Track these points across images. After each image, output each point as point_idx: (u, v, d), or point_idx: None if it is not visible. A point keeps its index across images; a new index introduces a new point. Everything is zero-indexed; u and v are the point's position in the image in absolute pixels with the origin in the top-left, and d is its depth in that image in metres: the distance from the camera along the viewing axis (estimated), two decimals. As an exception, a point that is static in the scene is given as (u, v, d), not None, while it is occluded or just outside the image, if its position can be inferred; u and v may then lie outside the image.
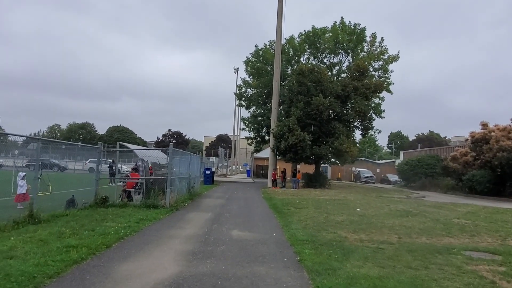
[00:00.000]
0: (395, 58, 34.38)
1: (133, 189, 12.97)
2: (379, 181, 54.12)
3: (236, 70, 51.78)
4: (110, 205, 11.47)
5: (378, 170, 61.70)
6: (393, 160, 74.33)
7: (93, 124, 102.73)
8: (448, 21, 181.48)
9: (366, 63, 26.84)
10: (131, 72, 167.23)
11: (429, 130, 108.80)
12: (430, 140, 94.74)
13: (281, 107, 28.98)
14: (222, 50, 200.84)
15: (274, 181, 26.78)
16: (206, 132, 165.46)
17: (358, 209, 13.50)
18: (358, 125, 27.20)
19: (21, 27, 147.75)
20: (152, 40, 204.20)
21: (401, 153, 65.79)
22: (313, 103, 24.81)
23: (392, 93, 34.69)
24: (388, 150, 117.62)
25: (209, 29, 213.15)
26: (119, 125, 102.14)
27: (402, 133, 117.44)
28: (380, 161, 74.50)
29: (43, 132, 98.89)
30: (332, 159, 26.63)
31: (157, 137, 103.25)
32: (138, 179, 12.88)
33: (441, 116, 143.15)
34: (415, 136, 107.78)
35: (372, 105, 30.45)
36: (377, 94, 27.03)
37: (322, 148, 24.85)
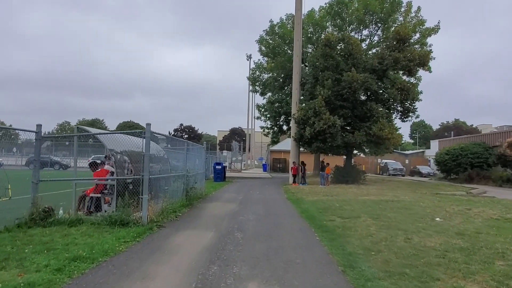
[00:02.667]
0: (434, 30, 29.20)
1: (100, 195, 8.73)
2: (408, 173, 49.30)
3: (249, 57, 47.35)
4: (54, 221, 7.27)
5: (406, 162, 56.55)
6: (422, 150, 68.57)
7: (103, 120, 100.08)
8: (462, 7, 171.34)
9: (407, 29, 21.81)
10: (142, 69, 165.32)
11: (455, 118, 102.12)
12: (458, 128, 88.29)
13: (302, 91, 24.37)
14: (230, 43, 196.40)
15: (295, 177, 22.30)
16: (220, 126, 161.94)
17: (438, 219, 8.92)
18: (397, 106, 22.26)
19: (33, 28, 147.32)
20: (160, 36, 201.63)
21: (432, 142, 60.10)
22: (344, 80, 20.09)
23: (431, 71, 29.53)
24: (410, 140, 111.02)
25: (216, 22, 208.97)
26: (129, 120, 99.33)
27: (425, 122, 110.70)
28: (408, 152, 68.93)
29: (54, 129, 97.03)
30: (367, 148, 21.84)
31: (168, 132, 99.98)
32: (106, 179, 8.63)
33: (459, 104, 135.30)
34: (440, 125, 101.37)
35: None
36: (422, 68, 22.06)
37: (356, 134, 20.14)
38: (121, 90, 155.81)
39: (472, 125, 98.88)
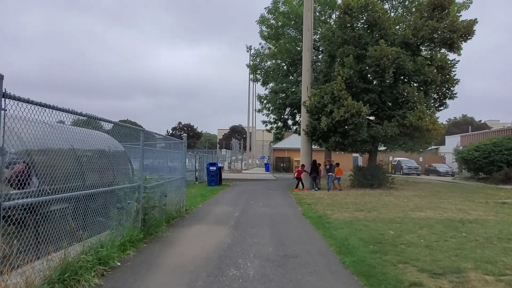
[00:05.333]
0: (464, 6, 24.68)
1: None
2: (423, 172, 45.37)
3: (249, 48, 43.01)
4: None
5: (420, 159, 52.32)
6: (435, 146, 63.99)
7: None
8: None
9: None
10: (140, 69, 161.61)
11: (462, 114, 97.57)
12: (469, 124, 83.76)
13: (315, 73, 19.93)
14: (228, 41, 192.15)
15: (299, 181, 17.82)
16: (220, 125, 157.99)
17: None
18: (434, 90, 17.71)
19: (30, 30, 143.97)
20: (157, 35, 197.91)
21: (448, 138, 55.59)
22: (370, 56, 15.63)
23: (460, 54, 24.99)
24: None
25: (212, 20, 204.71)
26: (126, 119, 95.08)
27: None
28: (421, 149, 64.30)
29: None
30: (401, 143, 17.18)
31: (167, 130, 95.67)
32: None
33: (460, 99, 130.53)
34: (447, 120, 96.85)
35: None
36: (465, 41, 17.58)
37: (385, 126, 15.67)
38: (120, 90, 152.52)
39: (481, 120, 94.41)
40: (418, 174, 42.79)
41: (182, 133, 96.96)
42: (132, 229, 6.04)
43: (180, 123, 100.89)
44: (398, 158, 48.18)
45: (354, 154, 53.41)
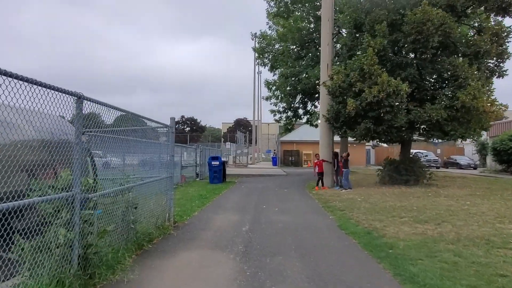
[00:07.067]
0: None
1: None
2: (442, 165, 42.42)
3: (254, 35, 39.88)
4: None
5: (438, 151, 49.18)
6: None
7: (99, 114, 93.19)
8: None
9: None
10: (142, 65, 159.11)
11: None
12: (484, 114, 79.87)
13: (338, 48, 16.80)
14: (230, 34, 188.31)
15: (321, 177, 14.74)
16: (225, 120, 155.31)
17: None
18: (487, 63, 14.45)
19: (30, 28, 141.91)
20: (158, 30, 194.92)
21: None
22: (408, 22, 12.50)
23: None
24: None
25: (213, 13, 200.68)
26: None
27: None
28: (438, 140, 60.90)
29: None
30: (448, 129, 13.72)
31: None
32: None
33: None
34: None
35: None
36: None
37: (428, 108, 12.55)
38: (122, 86, 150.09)
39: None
40: (438, 167, 39.87)
41: (185, 127, 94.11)
42: (49, 283, 3.10)
43: (183, 116, 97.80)
44: (414, 150, 45.03)
45: (367, 147, 50.28)
